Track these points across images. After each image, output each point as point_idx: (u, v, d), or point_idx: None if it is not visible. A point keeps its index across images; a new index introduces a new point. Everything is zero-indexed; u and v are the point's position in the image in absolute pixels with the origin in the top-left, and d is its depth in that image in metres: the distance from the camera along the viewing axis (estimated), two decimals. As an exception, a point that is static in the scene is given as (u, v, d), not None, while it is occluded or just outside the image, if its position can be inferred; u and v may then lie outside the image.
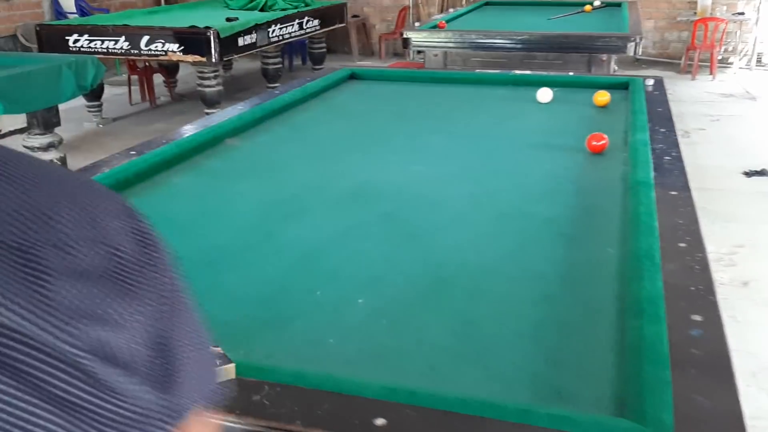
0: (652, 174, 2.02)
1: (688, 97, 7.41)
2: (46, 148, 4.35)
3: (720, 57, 8.70)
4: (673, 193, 1.89)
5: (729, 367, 1.11)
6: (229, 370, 1.08)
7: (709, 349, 1.16)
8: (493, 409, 1.02)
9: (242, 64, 9.21)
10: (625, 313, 1.32)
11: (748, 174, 4.99)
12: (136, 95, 7.62)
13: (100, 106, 6.77)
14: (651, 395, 1.05)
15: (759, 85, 7.91)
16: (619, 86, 3.38)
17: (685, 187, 1.93)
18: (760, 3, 8.56)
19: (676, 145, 2.33)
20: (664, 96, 3.09)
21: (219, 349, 1.11)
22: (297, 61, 9.50)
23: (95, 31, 6.18)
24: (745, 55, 8.93)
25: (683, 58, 8.62)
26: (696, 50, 8.26)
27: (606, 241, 1.70)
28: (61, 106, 6.48)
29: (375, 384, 1.08)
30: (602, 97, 3.11)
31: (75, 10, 8.62)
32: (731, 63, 8.84)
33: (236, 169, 2.34)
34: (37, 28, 6.41)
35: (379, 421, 0.99)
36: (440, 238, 1.76)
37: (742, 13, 8.66)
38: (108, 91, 7.88)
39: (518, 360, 1.25)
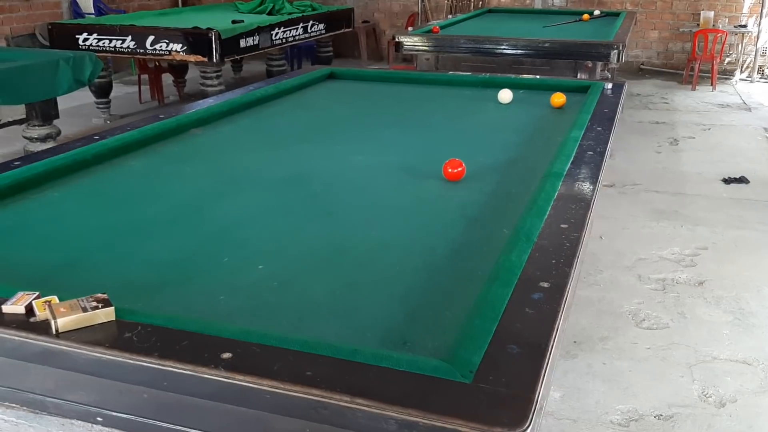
0: (567, 166, 2.15)
1: (684, 106, 7.48)
2: (44, 138, 4.57)
3: (723, 68, 8.75)
4: (579, 182, 2.02)
5: (552, 325, 1.24)
6: (108, 313, 1.25)
7: (542, 309, 1.30)
8: (327, 348, 1.17)
9: (253, 67, 9.44)
10: (488, 279, 1.46)
11: (727, 181, 5.07)
12: (147, 94, 7.86)
13: (108, 103, 7.02)
14: (470, 342, 1.19)
15: (757, 97, 7.95)
16: (581, 89, 3.51)
17: (594, 179, 2.06)
18: (762, 16, 8.60)
19: (605, 142, 2.45)
20: (618, 99, 3.21)
21: (105, 295, 1.28)
22: (306, 64, 9.69)
23: (104, 31, 6.42)
24: (747, 67, 8.96)
25: (685, 69, 8.68)
26: (697, 61, 8.32)
27: (504, 223, 1.84)
28: (71, 103, 6.75)
29: (233, 327, 1.24)
30: (558, 98, 3.25)
31: (93, 11, 8.91)
32: (734, 74, 8.88)
33: (189, 154, 2.52)
34: (49, 27, 6.67)
35: (226, 355, 1.14)
36: (352, 217, 1.92)
37: (744, 26, 8.71)
38: (120, 90, 8.16)
39: (380, 316, 1.39)
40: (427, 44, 5.54)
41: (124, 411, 1.21)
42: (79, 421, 1.24)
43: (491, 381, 1.07)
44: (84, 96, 6.77)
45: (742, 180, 5.06)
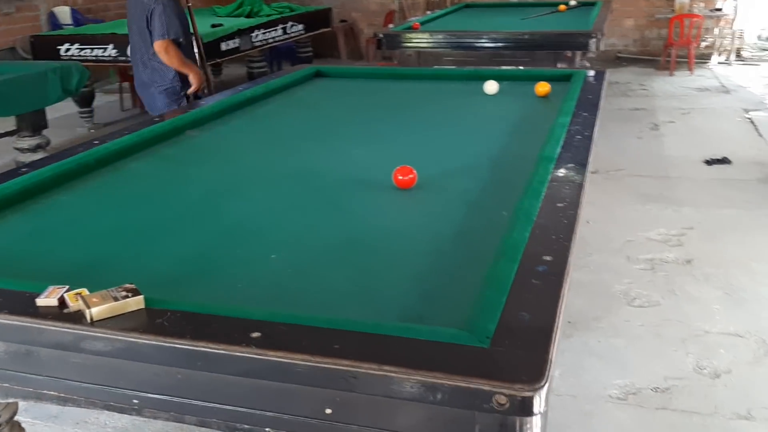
0: (558, 151, 2.24)
1: (663, 92, 7.60)
2: (35, 149, 4.59)
3: (700, 53, 8.90)
4: (570, 165, 2.10)
5: (557, 294, 1.32)
6: (138, 301, 1.31)
7: (547, 280, 1.38)
8: (352, 324, 1.24)
9: (232, 70, 9.45)
10: (494, 257, 1.54)
11: (709, 162, 5.19)
12: (128, 102, 7.87)
13: (91, 112, 7.03)
14: (484, 312, 1.27)
15: (735, 79, 8.10)
16: (564, 78, 3.60)
17: (583, 161, 2.14)
18: (736, -1, 8.78)
19: (591, 126, 2.54)
20: (600, 86, 3.30)
21: (132, 285, 1.34)
22: (286, 66, 9.74)
23: (85, 40, 6.44)
24: (724, 50, 9.12)
25: (662, 55, 8.82)
26: (673, 47, 8.46)
27: (504, 206, 1.91)
28: (55, 113, 6.75)
29: (258, 310, 1.31)
30: (542, 87, 3.33)
31: (71, 22, 8.90)
32: (711, 58, 9.04)
33: (190, 155, 2.58)
34: (32, 39, 6.68)
35: (255, 334, 1.20)
36: (359, 208, 1.99)
37: (720, 9, 8.87)
38: (101, 99, 8.15)
39: (396, 296, 1.47)
40: (408, 41, 5.61)
41: (159, 392, 1.28)
42: (93, 421, 1.30)
43: (507, 345, 1.15)
44: (66, 106, 6.77)
45: (724, 161, 5.18)
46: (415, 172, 2.11)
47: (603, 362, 2.82)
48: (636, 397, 2.60)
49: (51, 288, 1.34)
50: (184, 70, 4.27)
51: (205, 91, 4.56)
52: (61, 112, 7.02)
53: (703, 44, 9.12)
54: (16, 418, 1.76)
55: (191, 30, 4.57)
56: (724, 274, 3.49)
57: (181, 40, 4.21)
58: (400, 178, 2.10)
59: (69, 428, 2.45)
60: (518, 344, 1.15)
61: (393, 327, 1.23)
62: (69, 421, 2.48)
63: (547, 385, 1.05)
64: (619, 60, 9.42)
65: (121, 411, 1.37)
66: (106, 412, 2.46)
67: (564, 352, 2.86)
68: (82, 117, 7.00)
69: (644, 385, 2.66)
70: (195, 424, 1.34)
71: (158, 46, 4.10)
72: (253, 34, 7.04)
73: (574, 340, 2.94)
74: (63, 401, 1.42)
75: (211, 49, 6.28)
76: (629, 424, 2.47)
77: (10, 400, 1.57)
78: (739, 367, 2.76)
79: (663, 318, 3.13)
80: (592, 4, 7.18)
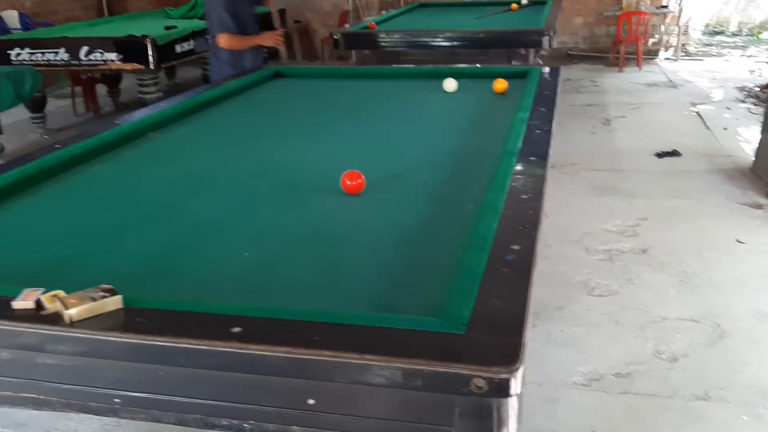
0: (519, 145, 2.29)
1: (614, 88, 7.79)
2: (-12, 155, 4.50)
3: (647, 49, 9.13)
4: (531, 158, 2.17)
5: (526, 281, 1.36)
6: (117, 301, 1.31)
7: (516, 268, 1.42)
8: (329, 315, 1.27)
9: (185, 72, 9.36)
10: (463, 247, 1.58)
11: (660, 155, 5.34)
12: (81, 106, 7.74)
13: (43, 117, 6.88)
14: (457, 301, 1.31)
15: (682, 74, 8.33)
16: (520, 75, 3.68)
17: (544, 155, 2.20)
18: (681, -4, 9.03)
19: (550, 121, 2.61)
20: (556, 82, 3.39)
21: (109, 285, 1.35)
22: (242, 68, 9.68)
23: (36, 44, 6.30)
24: (670, 46, 9.37)
25: (611, 52, 9.02)
26: (622, 43, 8.67)
27: (469, 199, 1.96)
28: (6, 119, 6.60)
29: (236, 305, 1.33)
30: (500, 84, 3.40)
31: (19, 26, 8.71)
32: (658, 54, 9.28)
33: (151, 156, 2.57)
34: (-22, 44, 6.51)
35: (236, 329, 1.22)
36: (323, 203, 2.02)
37: (666, 6, 9.11)
38: (53, 104, 7.99)
39: (367, 287, 1.50)
40: (364, 40, 5.64)
41: (141, 390, 1.29)
42: (63, 428, 1.28)
43: (482, 330, 1.19)
44: (18, 112, 6.63)
45: (674, 153, 5.34)
46: (363, 177, 2.06)
47: (566, 350, 2.89)
48: (599, 383, 2.67)
49: (26, 291, 1.34)
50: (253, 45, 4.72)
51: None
52: (13, 117, 6.87)
53: (651, 41, 9.36)
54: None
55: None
56: (678, 262, 3.61)
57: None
58: (348, 183, 2.05)
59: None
60: (492, 329, 1.19)
61: (371, 317, 1.26)
62: (38, 428, 2.45)
63: (522, 367, 1.10)
64: (570, 57, 9.61)
65: (100, 412, 1.37)
66: (76, 418, 2.47)
67: (529, 341, 2.92)
68: (34, 122, 6.86)
69: (606, 371, 2.74)
70: (173, 423, 1.35)
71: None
72: (208, 36, 6.97)
73: (537, 330, 3.01)
74: (39, 405, 1.41)
75: (166, 51, 6.23)
76: (593, 408, 2.54)
77: (-18, 407, 1.55)
78: (696, 350, 2.86)
79: (622, 306, 3.22)
80: (543, 3, 7.31)
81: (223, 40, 4.56)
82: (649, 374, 2.72)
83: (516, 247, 1.52)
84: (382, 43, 5.66)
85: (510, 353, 1.11)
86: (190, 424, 1.33)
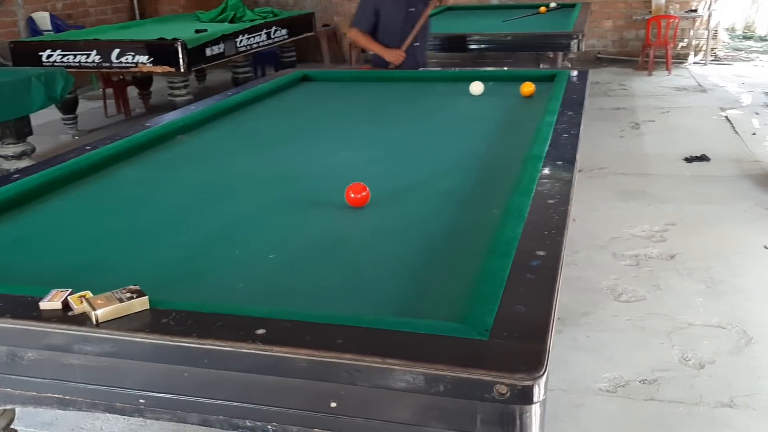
0: (546, 149, 2.28)
1: (642, 91, 7.71)
2: (19, 156, 4.58)
3: (677, 53, 9.03)
4: (558, 162, 2.15)
5: (551, 287, 1.36)
6: (143, 302, 1.33)
7: (541, 273, 1.42)
8: (352, 319, 1.27)
9: (216, 76, 9.46)
10: (487, 253, 1.58)
11: (689, 160, 5.27)
12: (112, 108, 7.84)
13: (75, 118, 7.00)
14: (481, 306, 1.30)
15: (711, 79, 8.23)
16: (548, 78, 3.66)
17: (571, 159, 2.19)
18: (711, 0, 8.90)
19: (577, 125, 2.59)
20: (584, 85, 3.36)
21: (136, 286, 1.36)
22: (270, 70, 9.75)
23: (67, 46, 6.41)
24: (699, 50, 9.26)
25: (640, 56, 8.94)
26: (651, 47, 8.58)
27: (494, 204, 1.95)
28: (38, 120, 6.72)
29: (260, 308, 1.34)
30: (527, 87, 3.39)
31: (51, 28, 8.86)
32: (687, 58, 9.17)
33: (180, 159, 2.60)
34: (11, 45, 6.63)
35: (260, 331, 1.23)
36: (347, 209, 2.01)
37: (695, 11, 9.00)
38: (84, 105, 8.12)
39: (392, 293, 1.50)
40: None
41: (166, 391, 1.30)
42: (89, 427, 1.29)
43: (506, 336, 1.19)
44: (49, 113, 6.74)
45: (703, 158, 5.27)
46: (367, 189, 2.00)
47: (591, 356, 2.87)
48: (624, 389, 2.65)
49: (54, 291, 1.36)
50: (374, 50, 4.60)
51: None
52: (45, 119, 6.99)
53: (680, 45, 9.25)
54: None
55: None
56: (706, 268, 3.56)
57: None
58: (353, 196, 1.99)
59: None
60: (516, 336, 1.18)
61: (394, 321, 1.26)
62: (64, 428, 2.49)
63: (545, 374, 1.09)
64: (598, 60, 9.53)
65: (125, 412, 1.39)
66: (102, 418, 2.50)
67: (554, 347, 2.90)
68: (65, 124, 6.97)
69: (632, 377, 2.71)
70: (197, 424, 1.36)
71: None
72: (238, 39, 7.05)
73: (563, 336, 2.99)
74: (65, 405, 1.43)
75: (197, 54, 6.29)
76: (618, 415, 2.52)
77: (9, 407, 1.58)
78: (722, 357, 2.82)
79: (648, 312, 3.19)
80: (572, 6, 7.27)
81: (351, 34, 4.64)
82: (675, 381, 2.69)
83: (541, 253, 1.51)
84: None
85: (533, 360, 1.11)
86: (214, 425, 1.35)
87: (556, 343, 2.98)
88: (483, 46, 5.54)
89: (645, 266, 3.64)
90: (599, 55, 9.60)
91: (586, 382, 2.70)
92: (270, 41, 7.82)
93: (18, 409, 1.82)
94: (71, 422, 2.51)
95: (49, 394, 1.42)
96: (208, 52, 6.55)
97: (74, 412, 2.01)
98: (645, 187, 4.81)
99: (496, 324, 1.23)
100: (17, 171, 2.28)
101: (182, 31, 6.88)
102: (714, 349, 2.87)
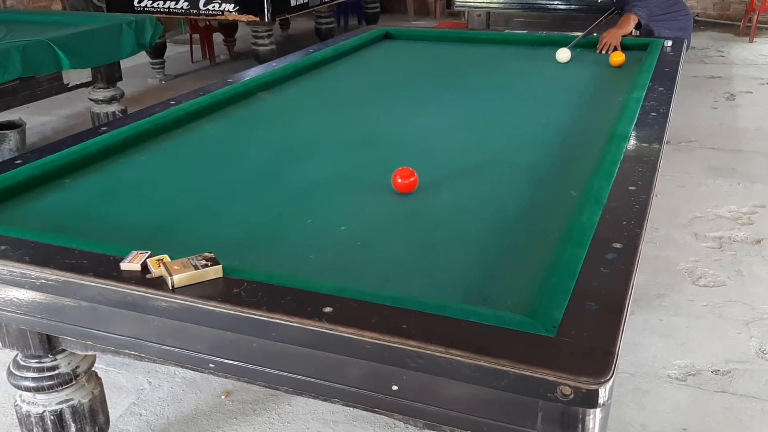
0: (631, 128, 2.20)
1: (742, 60, 7.31)
2: (109, 100, 4.72)
3: (782, 19, 8.50)
4: (644, 144, 2.07)
5: (626, 284, 1.32)
6: (217, 270, 1.36)
7: (616, 268, 1.38)
8: (418, 303, 1.27)
9: (299, 24, 9.47)
10: (561, 240, 1.54)
11: (786, 137, 5.01)
12: (198, 54, 7.98)
13: (162, 63, 7.17)
14: (550, 299, 1.28)
15: (819, 49, 7.73)
16: (640, 47, 3.51)
17: (659, 140, 2.10)
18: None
19: (668, 102, 2.48)
20: (678, 57, 3.21)
21: (211, 254, 1.40)
22: (353, 21, 9.70)
23: (158, -8, 6.54)
24: (809, 17, 8.68)
25: (743, 20, 8.45)
26: (755, 11, 8.09)
27: (572, 185, 1.90)
28: (127, 63, 6.90)
29: (329, 284, 1.35)
30: (617, 57, 3.26)
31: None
32: (795, 25, 8.63)
33: (260, 117, 2.63)
34: (106, -11, 6.80)
35: (327, 309, 1.25)
36: (422, 180, 1.99)
37: (807, -26, 8.41)
38: (172, 49, 8.28)
39: (460, 274, 1.49)
40: (480, 1, 5.51)
41: (235, 358, 1.34)
42: (164, 371, 1.35)
43: (573, 335, 1.16)
44: (138, 57, 6.90)
45: (801, 136, 4.99)
46: (416, 175, 1.91)
47: (663, 341, 2.80)
48: (695, 379, 2.58)
49: (134, 253, 1.41)
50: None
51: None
52: (133, 62, 7.15)
53: (788, 9, 8.69)
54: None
55: None
56: (795, 257, 3.40)
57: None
58: (400, 181, 1.90)
59: (140, 376, 2.58)
60: (584, 335, 1.16)
61: (459, 310, 1.25)
62: (141, 369, 2.61)
63: (612, 379, 1.07)
64: (696, 23, 9.05)
65: (197, 371, 1.44)
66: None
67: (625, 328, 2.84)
68: (153, 68, 7.14)
69: (704, 367, 2.64)
70: (265, 387, 1.41)
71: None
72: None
73: (635, 317, 2.93)
74: (139, 358, 1.50)
75: (281, 4, 6.32)
76: (686, 404, 2.46)
77: (89, 353, 1.66)
78: (805, 353, 2.70)
79: (728, 299, 3.07)
80: (672, -35, 6.89)
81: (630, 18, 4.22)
82: (750, 374, 2.60)
83: (617, 246, 1.46)
84: (496, 4, 5.52)
85: (601, 364, 1.08)
86: (281, 391, 1.38)
87: (627, 324, 2.92)
88: (573, 6, 5.35)
89: (728, 250, 3.50)
90: (697, 18, 9.12)
91: (655, 367, 2.64)
92: (355, -8, 7.76)
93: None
94: (147, 364, 2.63)
95: (126, 350, 1.48)
96: (293, 2, 6.57)
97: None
98: (736, 164, 4.59)
99: (564, 321, 1.20)
100: (105, 124, 2.35)
101: (269, -21, 6.89)
102: (795, 344, 2.75)
